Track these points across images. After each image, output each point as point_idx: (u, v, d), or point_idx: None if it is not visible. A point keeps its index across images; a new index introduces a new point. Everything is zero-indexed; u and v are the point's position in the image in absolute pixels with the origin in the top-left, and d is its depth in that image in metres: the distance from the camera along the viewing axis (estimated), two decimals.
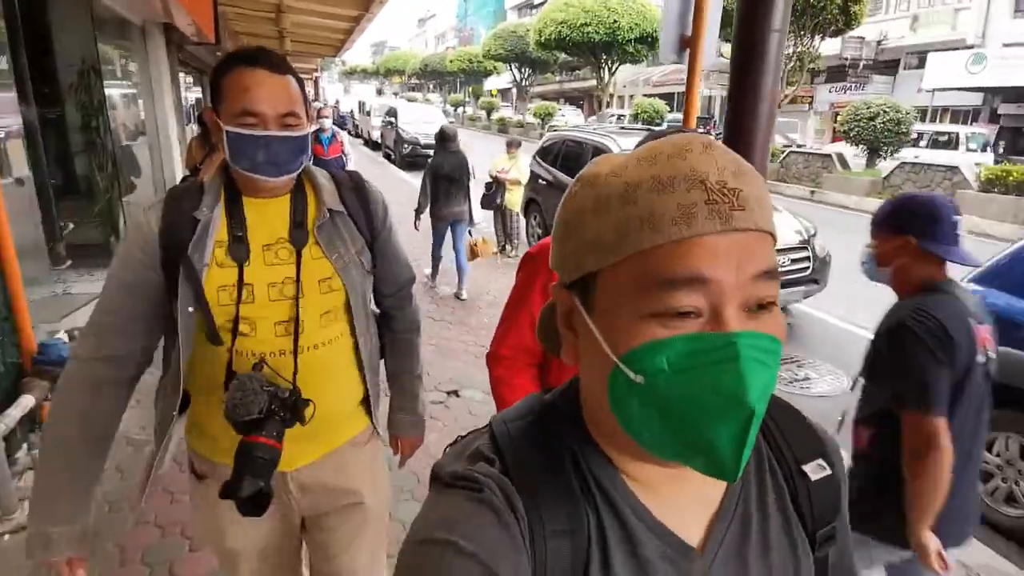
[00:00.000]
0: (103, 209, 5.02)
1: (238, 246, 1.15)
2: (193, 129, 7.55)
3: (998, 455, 2.92)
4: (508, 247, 7.31)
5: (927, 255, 1.45)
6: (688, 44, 3.48)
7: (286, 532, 1.31)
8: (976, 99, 20.96)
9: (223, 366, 1.15)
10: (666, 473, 0.51)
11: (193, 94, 9.89)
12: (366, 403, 1.34)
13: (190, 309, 1.12)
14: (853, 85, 23.90)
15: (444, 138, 5.72)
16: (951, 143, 16.48)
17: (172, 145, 6.33)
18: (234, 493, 1.05)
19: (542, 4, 28.62)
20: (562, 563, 0.48)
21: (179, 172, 6.41)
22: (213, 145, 3.19)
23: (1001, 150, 18.13)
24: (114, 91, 5.10)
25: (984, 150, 16.57)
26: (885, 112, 12.57)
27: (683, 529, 0.52)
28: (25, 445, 2.53)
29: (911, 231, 1.46)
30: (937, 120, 22.46)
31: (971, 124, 20.78)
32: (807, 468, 0.58)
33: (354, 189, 1.29)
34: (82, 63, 5.00)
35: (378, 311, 1.43)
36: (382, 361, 1.46)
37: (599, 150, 6.58)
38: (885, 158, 13.17)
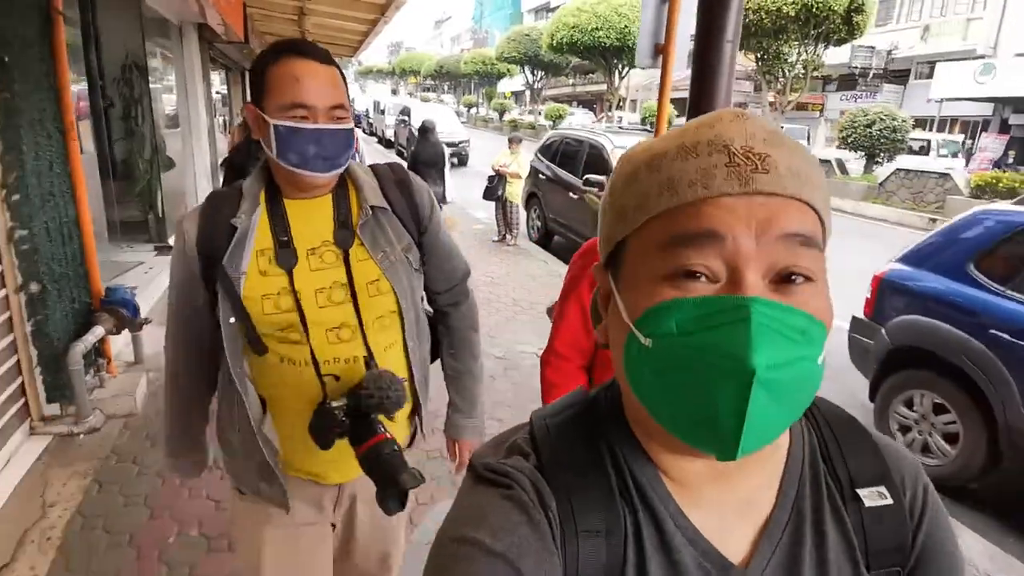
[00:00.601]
0: (143, 190, 5.58)
1: (285, 252, 1.10)
2: (219, 122, 8.13)
3: (915, 411, 3.36)
4: (508, 236, 7.80)
5: None
6: (661, 51, 3.95)
7: (324, 545, 1.28)
8: (987, 109, 21.12)
9: (283, 377, 1.13)
10: (707, 473, 0.49)
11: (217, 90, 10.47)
12: (411, 414, 1.31)
13: (231, 320, 1.09)
14: (864, 94, 24.13)
15: (424, 130, 7.14)
16: (923, 150, 16.89)
17: (202, 135, 6.89)
18: (399, 496, 1.02)
19: (558, 7, 29.06)
20: (595, 564, 0.47)
21: (208, 160, 6.98)
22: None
23: (1011, 160, 18.28)
24: (153, 85, 5.66)
25: (955, 156, 16.92)
26: (882, 119, 12.96)
27: (726, 542, 0.49)
28: (96, 364, 3.06)
29: None
30: (947, 130, 22.65)
31: (980, 135, 20.96)
32: (862, 492, 0.52)
33: (397, 182, 1.22)
34: (126, 59, 5.56)
35: (431, 310, 1.37)
36: (437, 362, 1.40)
37: (595, 148, 7.06)
38: (882, 163, 13.53)
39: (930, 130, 21.26)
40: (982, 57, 19.62)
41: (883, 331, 3.46)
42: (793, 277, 0.42)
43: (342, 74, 1.12)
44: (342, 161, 1.11)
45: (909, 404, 3.38)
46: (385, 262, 1.16)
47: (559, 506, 0.47)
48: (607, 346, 0.51)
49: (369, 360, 1.14)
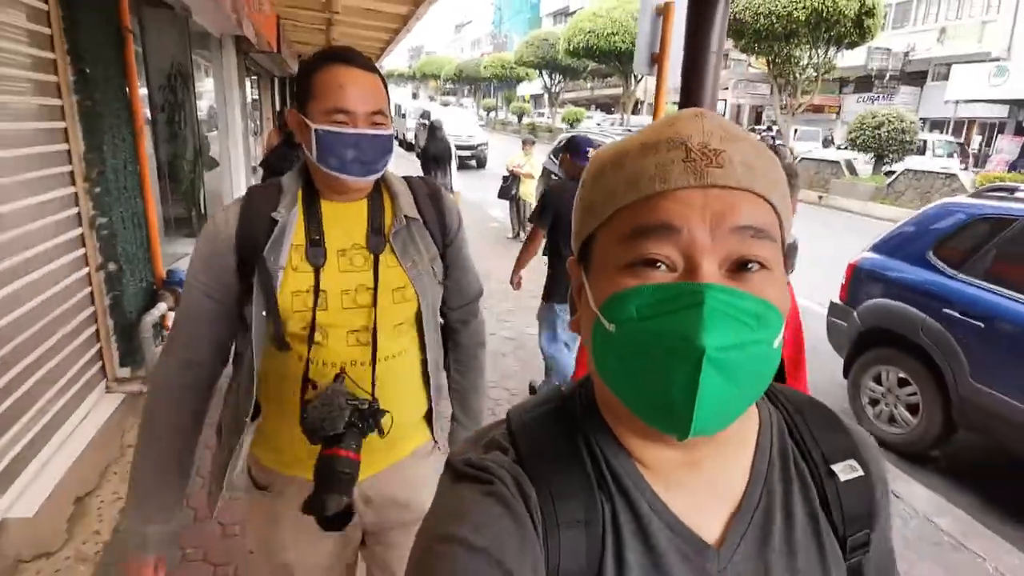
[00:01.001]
0: (187, 190, 6.10)
1: (315, 250, 1.12)
2: (252, 125, 8.69)
3: (882, 385, 3.71)
4: (522, 233, 8.23)
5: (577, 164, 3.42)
6: (657, 60, 4.34)
7: (344, 548, 1.27)
8: (1003, 111, 21.07)
9: (298, 375, 1.13)
10: (678, 458, 0.51)
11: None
12: (427, 417, 1.32)
13: (264, 313, 1.10)
14: (881, 95, 24.16)
15: (433, 129, 8.13)
16: (920, 150, 17.00)
17: (238, 138, 7.43)
18: (319, 510, 1.01)
19: (576, 12, 29.45)
20: (576, 554, 0.48)
21: (243, 161, 7.51)
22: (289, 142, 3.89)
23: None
24: (194, 92, 6.19)
25: (950, 156, 17.14)
26: (890, 121, 13.14)
27: (700, 524, 0.51)
28: (161, 335, 3.54)
29: (569, 151, 3.50)
30: (964, 132, 22.58)
31: (997, 137, 20.89)
32: (836, 468, 0.55)
33: (430, 196, 1.26)
34: (171, 68, 6.09)
35: (441, 323, 1.37)
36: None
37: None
38: (890, 165, 13.71)
39: (945, 132, 21.23)
40: (997, 59, 19.61)
41: (855, 314, 3.81)
42: (749, 265, 0.45)
43: (384, 81, 1.16)
44: (379, 167, 1.14)
45: (878, 380, 3.73)
46: (413, 271, 1.19)
47: (540, 498, 0.49)
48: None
49: (340, 376, 1.13)
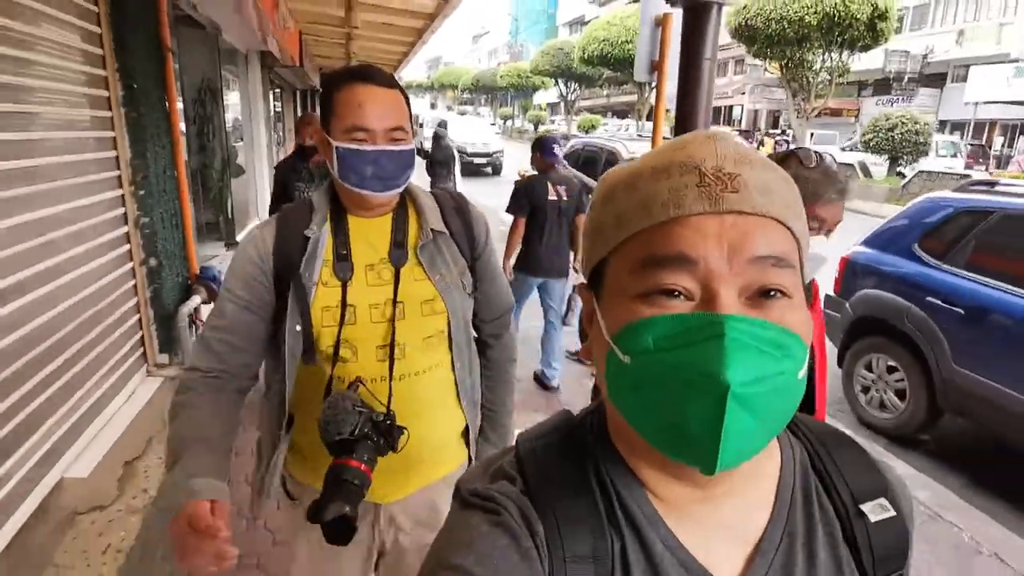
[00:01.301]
0: (215, 197, 6.47)
1: (342, 264, 1.15)
2: (275, 135, 9.11)
3: (873, 372, 3.87)
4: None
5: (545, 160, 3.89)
6: (656, 67, 4.57)
7: (365, 565, 1.26)
8: (1021, 113, 20.84)
9: (323, 389, 1.14)
10: (695, 494, 0.49)
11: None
12: (465, 435, 1.31)
13: (297, 328, 1.12)
14: (900, 98, 24.04)
15: (437, 136, 8.79)
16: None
17: (262, 149, 7.82)
18: (318, 516, 0.99)
19: (592, 21, 29.80)
20: None
21: (267, 171, 7.89)
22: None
23: None
24: (222, 104, 6.57)
25: (954, 156, 17.03)
26: (903, 123, 13.18)
27: (716, 564, 0.48)
28: (195, 324, 3.86)
29: (537, 149, 3.91)
30: (985, 133, 22.35)
31: (1020, 138, 20.65)
32: (866, 508, 0.52)
33: (457, 209, 1.27)
34: (202, 83, 6.49)
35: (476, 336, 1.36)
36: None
37: (612, 153, 7.71)
38: (904, 166, 13.73)
39: (965, 134, 21.05)
40: (1016, 61, 19.44)
41: (847, 305, 3.99)
42: (770, 292, 0.43)
43: (405, 96, 1.18)
44: (400, 182, 1.15)
45: (869, 367, 3.89)
46: (441, 284, 1.20)
47: (546, 531, 0.47)
48: (593, 362, 0.52)
49: (355, 383, 1.13)
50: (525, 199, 3.96)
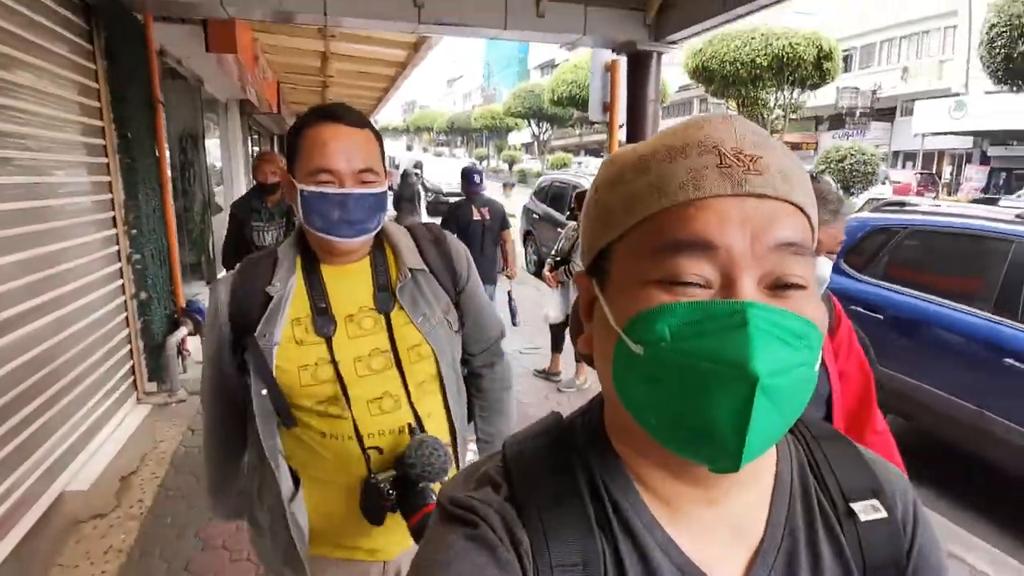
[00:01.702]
0: (196, 239, 6.74)
1: (323, 319, 1.08)
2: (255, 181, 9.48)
3: None
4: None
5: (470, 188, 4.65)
6: (608, 108, 5.03)
7: None
8: (968, 142, 22.15)
9: (332, 452, 1.09)
10: (697, 495, 0.47)
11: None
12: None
13: (263, 392, 1.06)
14: (854, 132, 25.37)
15: (405, 175, 10.00)
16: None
17: (241, 191, 8.13)
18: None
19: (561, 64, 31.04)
20: None
21: None
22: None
23: (994, 190, 19.10)
24: (203, 151, 6.91)
25: (883, 184, 17.94)
26: (852, 155, 14.04)
27: (716, 565, 0.47)
28: (181, 354, 4.07)
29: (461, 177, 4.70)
30: (934, 162, 23.63)
31: (965, 166, 21.88)
32: (856, 507, 0.50)
33: (434, 242, 1.22)
34: (184, 131, 6.82)
35: (465, 371, 1.32)
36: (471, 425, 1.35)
37: (576, 187, 8.17)
38: (856, 195, 14.54)
39: (913, 165, 22.25)
40: (956, 95, 20.80)
41: None
42: (789, 283, 0.41)
43: (378, 136, 1.12)
44: (371, 226, 1.09)
45: None
46: (426, 325, 1.14)
47: (531, 538, 0.45)
48: (588, 359, 0.50)
49: (414, 428, 1.11)
50: (453, 222, 4.57)
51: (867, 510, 0.51)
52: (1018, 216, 3.40)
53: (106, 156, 3.43)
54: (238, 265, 1.16)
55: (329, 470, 1.11)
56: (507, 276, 5.13)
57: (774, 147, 0.44)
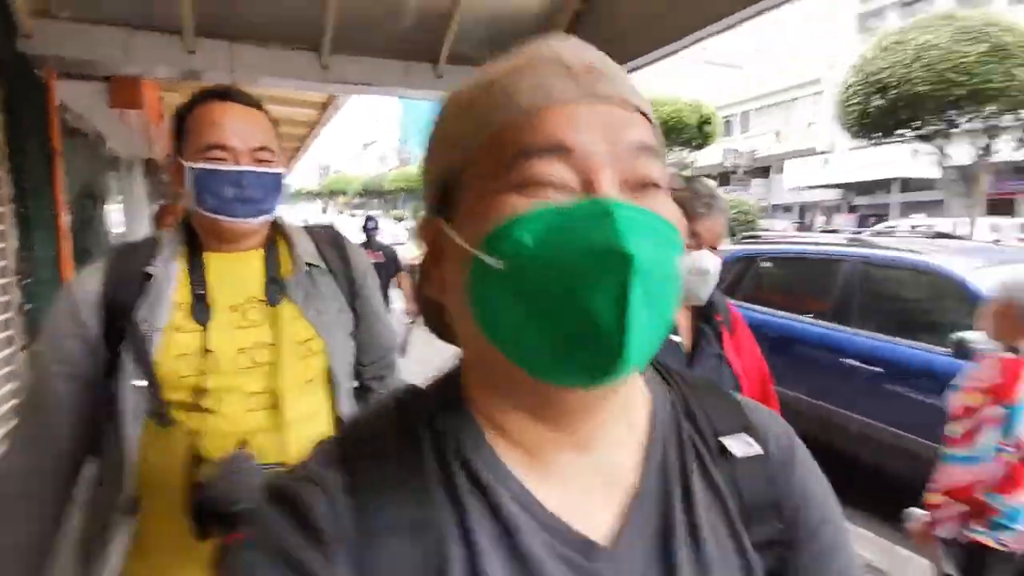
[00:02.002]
0: None
1: (199, 305, 1.01)
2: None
3: None
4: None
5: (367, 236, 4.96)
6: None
7: None
8: (837, 194, 25.04)
9: (183, 455, 0.96)
10: (559, 439, 0.45)
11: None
12: None
13: (133, 383, 0.96)
14: (739, 187, 28.03)
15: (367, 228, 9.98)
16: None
17: None
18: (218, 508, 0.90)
19: None
20: (402, 566, 0.41)
21: None
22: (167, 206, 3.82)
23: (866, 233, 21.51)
24: (104, 208, 6.76)
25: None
26: (734, 207, 15.58)
27: (588, 519, 0.44)
28: None
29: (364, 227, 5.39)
30: (808, 213, 26.36)
31: (833, 215, 24.58)
32: (726, 440, 0.49)
33: (333, 244, 1.18)
34: (82, 188, 6.67)
35: (356, 384, 1.25)
36: None
37: None
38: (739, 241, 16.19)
39: (790, 216, 24.72)
40: (823, 153, 23.66)
41: None
42: (647, 185, 0.41)
43: (272, 119, 1.08)
44: (267, 207, 1.04)
45: None
46: (318, 320, 1.09)
47: (356, 505, 0.42)
48: (439, 329, 0.50)
49: (281, 430, 1.02)
50: None
51: (740, 445, 0.49)
52: (848, 240, 4.08)
53: (1, 205, 3.41)
54: (111, 248, 1.09)
55: (178, 476, 0.97)
56: (405, 313, 5.76)
57: (612, 62, 0.45)
